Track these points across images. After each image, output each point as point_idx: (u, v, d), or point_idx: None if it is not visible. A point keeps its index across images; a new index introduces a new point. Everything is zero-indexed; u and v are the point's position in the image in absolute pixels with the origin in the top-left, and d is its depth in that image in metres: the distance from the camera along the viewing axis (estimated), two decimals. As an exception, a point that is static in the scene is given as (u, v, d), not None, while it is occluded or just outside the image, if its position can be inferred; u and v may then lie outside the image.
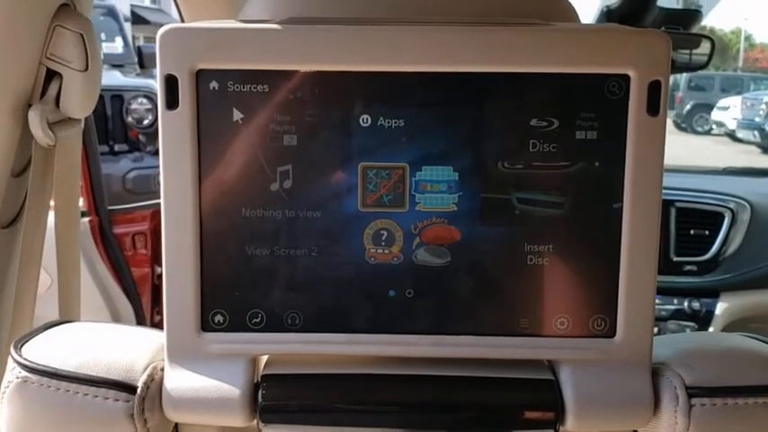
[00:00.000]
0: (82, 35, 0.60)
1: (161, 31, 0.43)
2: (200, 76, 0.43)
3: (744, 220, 1.51)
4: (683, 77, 13.18)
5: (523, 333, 0.45)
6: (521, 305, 0.45)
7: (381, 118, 0.43)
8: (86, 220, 1.86)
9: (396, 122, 0.43)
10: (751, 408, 0.43)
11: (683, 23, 1.45)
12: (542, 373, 0.46)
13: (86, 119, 0.71)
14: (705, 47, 1.42)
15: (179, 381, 0.44)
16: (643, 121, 0.43)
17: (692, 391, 0.43)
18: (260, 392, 0.45)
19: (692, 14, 1.47)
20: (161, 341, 0.46)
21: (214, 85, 0.43)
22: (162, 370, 0.45)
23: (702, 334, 0.54)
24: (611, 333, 0.45)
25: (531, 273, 0.45)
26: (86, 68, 0.61)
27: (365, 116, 0.43)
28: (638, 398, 0.44)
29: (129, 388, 0.43)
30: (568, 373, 0.45)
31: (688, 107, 12.37)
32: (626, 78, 0.43)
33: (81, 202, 1.85)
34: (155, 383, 0.44)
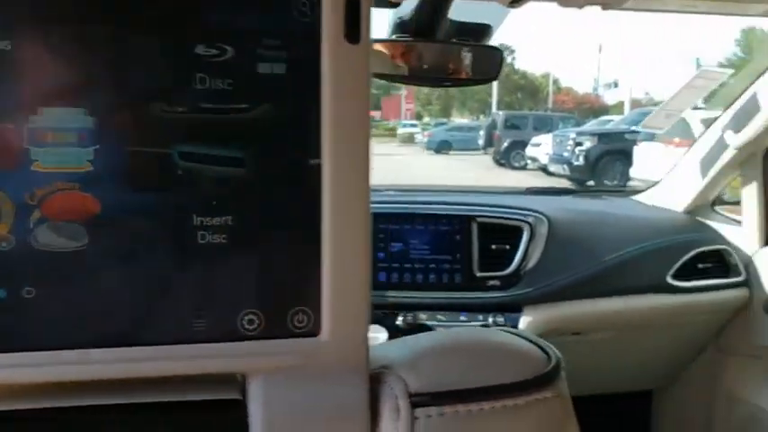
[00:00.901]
0: None
1: None
2: None
3: (542, 234, 1.53)
4: (500, 117, 14.14)
5: (199, 339, 0.33)
6: (193, 301, 0.33)
7: None
8: None
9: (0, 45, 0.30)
10: (488, 414, 0.34)
11: (475, 36, 1.46)
12: (228, 391, 0.34)
13: None
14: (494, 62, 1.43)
15: None
16: (341, 51, 0.33)
17: (416, 400, 0.34)
18: None
19: (483, 28, 1.49)
20: None
21: None
22: None
23: (449, 332, 0.45)
24: (315, 331, 0.34)
25: (205, 255, 0.33)
26: None
27: None
28: (350, 411, 0.34)
29: None
30: (258, 388, 0.33)
31: (505, 144, 13.30)
32: None
33: None
34: None
